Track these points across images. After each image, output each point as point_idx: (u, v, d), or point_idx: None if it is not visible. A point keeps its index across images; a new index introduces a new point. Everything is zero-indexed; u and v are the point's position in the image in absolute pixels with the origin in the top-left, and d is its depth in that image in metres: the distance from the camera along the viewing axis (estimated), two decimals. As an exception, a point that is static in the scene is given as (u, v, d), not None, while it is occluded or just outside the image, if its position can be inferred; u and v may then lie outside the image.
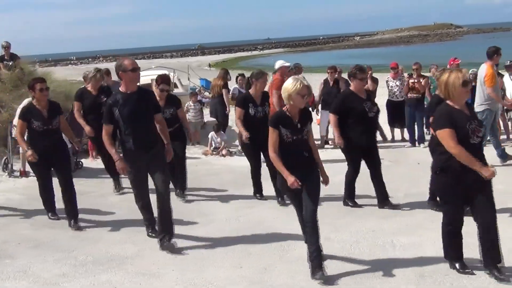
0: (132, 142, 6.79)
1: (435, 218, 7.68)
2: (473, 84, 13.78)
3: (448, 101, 5.63)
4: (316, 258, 5.84)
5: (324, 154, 12.22)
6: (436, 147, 5.72)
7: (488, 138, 10.83)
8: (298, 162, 5.86)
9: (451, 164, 5.51)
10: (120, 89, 6.87)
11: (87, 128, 9.68)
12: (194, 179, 10.82)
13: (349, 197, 8.67)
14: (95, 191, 9.85)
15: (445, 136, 5.45)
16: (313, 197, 5.91)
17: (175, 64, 40.71)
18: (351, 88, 8.56)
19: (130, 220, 8.15)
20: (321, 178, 6.07)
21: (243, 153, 13.47)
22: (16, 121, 9.16)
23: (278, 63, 11.68)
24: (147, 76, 18.30)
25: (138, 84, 7.01)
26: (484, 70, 10.67)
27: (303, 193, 5.88)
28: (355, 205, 8.61)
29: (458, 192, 5.61)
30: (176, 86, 18.92)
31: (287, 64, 11.87)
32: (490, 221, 5.62)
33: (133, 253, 6.82)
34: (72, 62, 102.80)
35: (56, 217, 8.24)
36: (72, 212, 7.93)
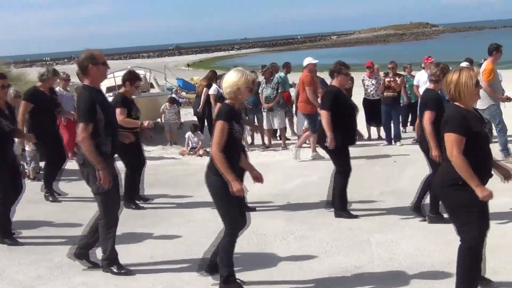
0: (110, 145, 6.01)
1: (410, 216, 7.79)
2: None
3: (457, 103, 4.99)
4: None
5: (301, 154, 12.28)
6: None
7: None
8: (237, 162, 5.58)
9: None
10: (87, 84, 5.99)
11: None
12: (171, 179, 10.82)
13: (343, 208, 7.99)
14: (71, 192, 9.77)
15: (452, 141, 4.80)
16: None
17: (152, 64, 40.51)
18: (335, 84, 8.19)
19: (107, 221, 8.10)
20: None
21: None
22: None
23: (307, 60, 12.30)
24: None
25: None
26: (484, 65, 10.81)
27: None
28: (351, 216, 7.91)
29: (480, 207, 4.89)
30: (152, 86, 18.83)
31: (315, 61, 12.38)
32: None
33: (110, 255, 6.77)
34: (48, 62, 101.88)
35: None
36: None
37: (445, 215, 7.10)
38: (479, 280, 5.17)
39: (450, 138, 4.82)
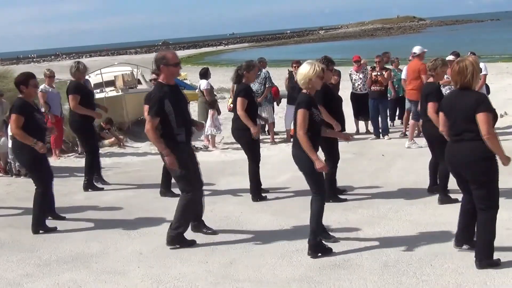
0: (184, 135, 6.65)
1: (399, 209, 7.84)
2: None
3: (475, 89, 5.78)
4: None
5: (289, 148, 12.28)
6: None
7: None
8: (319, 141, 6.43)
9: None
10: (162, 81, 6.67)
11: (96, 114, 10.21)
12: (160, 175, 10.77)
13: (335, 194, 8.39)
14: (58, 190, 9.71)
15: (488, 121, 5.48)
16: None
17: (139, 60, 40.34)
18: None
19: (94, 219, 8.11)
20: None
21: (209, 149, 13.57)
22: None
23: (418, 49, 12.80)
24: (109, 73, 18.12)
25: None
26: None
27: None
28: (339, 200, 8.37)
29: None
30: (140, 82, 18.76)
31: (425, 50, 12.94)
32: None
33: (98, 251, 6.76)
34: (34, 60, 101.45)
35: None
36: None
37: (453, 196, 7.86)
38: None
39: (488, 118, 5.47)
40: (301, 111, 6.15)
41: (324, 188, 6.47)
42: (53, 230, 7.58)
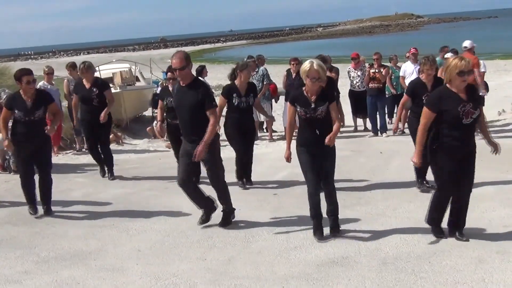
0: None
1: (397, 206, 7.85)
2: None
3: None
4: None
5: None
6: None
7: None
8: (308, 139, 6.65)
9: None
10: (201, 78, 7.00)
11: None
12: (158, 172, 10.80)
13: None
14: (56, 186, 9.69)
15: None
16: (324, 174, 6.72)
17: (137, 57, 40.35)
18: None
19: (93, 216, 8.10)
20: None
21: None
22: None
23: (469, 43, 12.80)
24: (107, 70, 18.11)
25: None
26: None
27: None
28: None
29: None
30: (138, 79, 18.77)
31: (475, 44, 12.98)
32: None
33: (96, 248, 6.77)
34: (32, 57, 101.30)
35: (35, 213, 8.09)
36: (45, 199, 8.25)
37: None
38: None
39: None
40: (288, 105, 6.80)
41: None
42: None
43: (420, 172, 8.38)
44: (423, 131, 6.20)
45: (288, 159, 6.77)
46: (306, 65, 6.49)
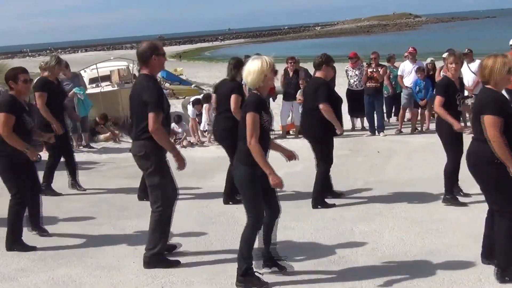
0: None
1: (394, 206, 7.85)
2: (430, 73, 14.10)
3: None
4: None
5: (285, 144, 12.28)
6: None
7: None
8: (267, 152, 5.54)
9: None
10: (148, 73, 5.93)
11: (57, 125, 8.80)
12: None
13: (323, 199, 8.09)
14: (53, 184, 9.69)
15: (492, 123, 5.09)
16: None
17: (135, 55, 40.27)
18: (321, 76, 8.12)
19: (89, 214, 8.09)
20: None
21: (204, 144, 13.59)
22: None
23: None
24: (105, 68, 18.09)
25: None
26: None
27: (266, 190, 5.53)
28: (327, 206, 8.02)
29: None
30: (135, 77, 18.74)
31: None
32: None
33: (93, 247, 6.75)
34: (29, 54, 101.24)
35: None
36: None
37: (461, 199, 7.78)
38: None
39: (489, 120, 5.05)
40: (250, 114, 5.21)
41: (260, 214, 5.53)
42: (33, 248, 6.70)
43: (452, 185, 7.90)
44: (503, 144, 5.04)
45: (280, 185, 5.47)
46: (263, 62, 5.33)
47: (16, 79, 6.70)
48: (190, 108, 14.67)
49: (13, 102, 6.66)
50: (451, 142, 7.72)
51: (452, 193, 7.83)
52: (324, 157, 8.10)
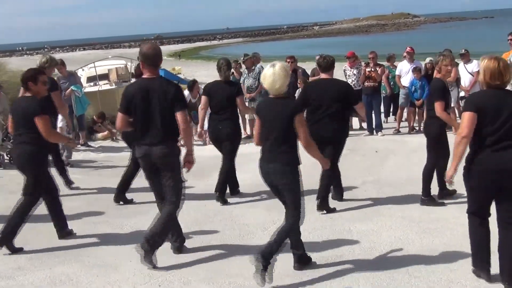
0: None
1: (392, 205, 7.85)
2: (429, 73, 14.09)
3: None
4: None
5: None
6: None
7: None
8: None
9: None
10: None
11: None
12: (152, 170, 10.76)
13: (326, 202, 7.86)
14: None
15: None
16: None
17: (133, 54, 40.19)
18: (330, 77, 8.04)
19: (86, 212, 8.09)
20: None
21: (201, 143, 13.56)
22: None
23: None
24: (103, 66, 18.09)
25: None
26: None
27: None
28: (330, 210, 7.81)
29: None
30: (133, 75, 18.73)
31: None
32: None
33: (90, 245, 6.75)
34: (27, 53, 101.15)
35: None
36: None
37: (438, 200, 7.82)
38: None
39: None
40: (300, 116, 5.57)
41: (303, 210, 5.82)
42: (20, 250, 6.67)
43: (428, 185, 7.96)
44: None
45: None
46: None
47: (36, 80, 6.82)
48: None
49: (44, 103, 6.86)
50: (438, 143, 7.75)
51: (429, 194, 7.85)
52: (336, 160, 8.00)
